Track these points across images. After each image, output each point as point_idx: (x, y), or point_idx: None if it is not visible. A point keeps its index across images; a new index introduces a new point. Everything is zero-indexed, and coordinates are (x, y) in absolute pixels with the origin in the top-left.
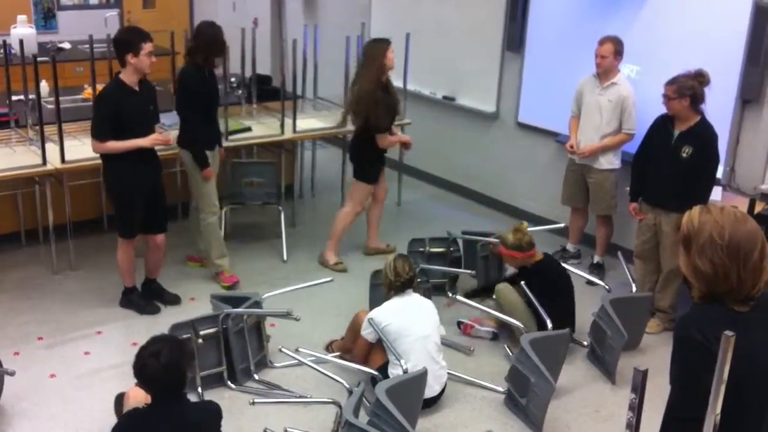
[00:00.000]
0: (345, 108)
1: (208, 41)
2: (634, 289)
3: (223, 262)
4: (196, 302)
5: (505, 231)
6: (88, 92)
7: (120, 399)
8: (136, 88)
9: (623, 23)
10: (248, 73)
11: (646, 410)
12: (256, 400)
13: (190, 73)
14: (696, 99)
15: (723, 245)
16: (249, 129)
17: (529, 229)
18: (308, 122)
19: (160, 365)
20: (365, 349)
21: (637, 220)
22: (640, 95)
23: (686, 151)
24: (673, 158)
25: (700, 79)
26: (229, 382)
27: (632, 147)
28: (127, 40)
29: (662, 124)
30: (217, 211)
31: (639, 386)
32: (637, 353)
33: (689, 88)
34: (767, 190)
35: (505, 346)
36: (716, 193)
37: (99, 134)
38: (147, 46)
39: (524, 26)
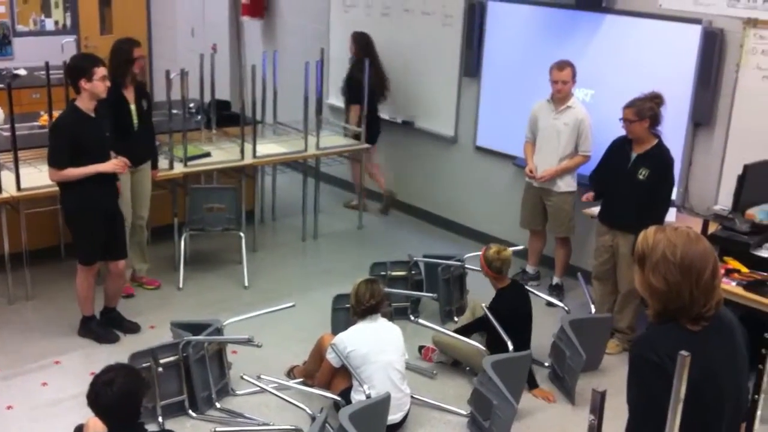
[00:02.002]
0: (384, 89)
1: (109, 57)
2: (593, 310)
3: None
4: (156, 330)
5: (496, 245)
6: (44, 119)
7: (79, 430)
8: (92, 115)
9: (577, 49)
10: (207, 99)
11: (606, 431)
12: (217, 429)
13: None
14: (655, 120)
15: (675, 263)
16: (208, 154)
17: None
18: (268, 147)
19: (114, 394)
20: (329, 374)
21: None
22: (594, 119)
23: (643, 174)
24: (630, 180)
25: (656, 100)
26: (190, 411)
27: (587, 169)
28: (80, 66)
29: (620, 146)
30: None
31: (597, 407)
32: (598, 374)
33: (649, 110)
34: (720, 211)
35: (468, 368)
36: (670, 214)
37: (57, 162)
38: (100, 71)
39: (480, 52)
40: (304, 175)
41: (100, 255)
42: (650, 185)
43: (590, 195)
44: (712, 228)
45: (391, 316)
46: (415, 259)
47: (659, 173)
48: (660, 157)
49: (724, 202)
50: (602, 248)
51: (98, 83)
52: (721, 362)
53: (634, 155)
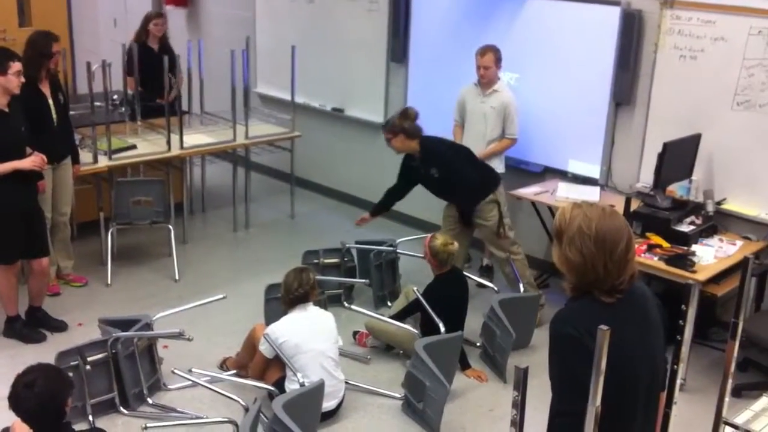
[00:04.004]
0: None
1: (25, 49)
2: (521, 289)
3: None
4: (84, 328)
5: (443, 234)
6: None
7: None
8: (6, 110)
9: (500, 32)
10: (131, 90)
11: (536, 406)
12: (148, 425)
13: None
14: (408, 132)
15: (590, 235)
16: (134, 147)
17: (420, 236)
18: (196, 138)
19: (35, 396)
20: (262, 365)
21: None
22: (520, 102)
23: (434, 172)
24: (431, 181)
25: (405, 115)
26: (121, 408)
27: (514, 152)
28: None
29: (407, 161)
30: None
31: (521, 383)
32: (528, 351)
33: (398, 126)
34: (642, 188)
35: (401, 352)
36: (594, 193)
37: None
38: (15, 65)
39: (407, 38)
40: (234, 164)
41: (21, 253)
42: (445, 176)
43: (366, 216)
44: (635, 205)
45: (325, 304)
46: (347, 245)
47: (442, 164)
48: (431, 153)
49: (646, 179)
50: (449, 218)
51: (12, 78)
52: (634, 332)
53: (418, 161)
